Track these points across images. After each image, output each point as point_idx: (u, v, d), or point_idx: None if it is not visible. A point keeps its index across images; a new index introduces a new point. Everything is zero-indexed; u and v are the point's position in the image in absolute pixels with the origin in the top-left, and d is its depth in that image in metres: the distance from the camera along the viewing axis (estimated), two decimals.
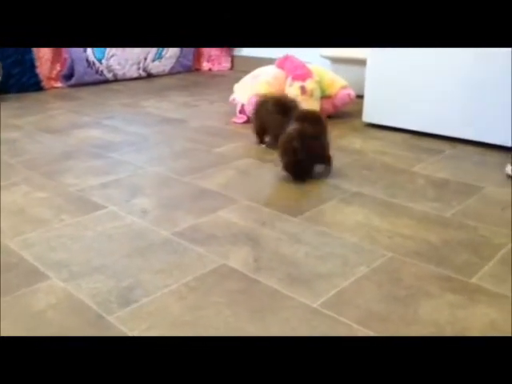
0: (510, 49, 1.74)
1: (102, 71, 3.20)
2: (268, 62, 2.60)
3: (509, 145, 1.80)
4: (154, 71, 3.47)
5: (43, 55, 2.98)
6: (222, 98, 2.73)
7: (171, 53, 3.52)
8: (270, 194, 1.50)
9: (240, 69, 3.54)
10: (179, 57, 3.58)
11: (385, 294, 0.99)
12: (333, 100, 2.28)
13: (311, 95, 2.16)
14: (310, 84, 2.16)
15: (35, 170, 1.68)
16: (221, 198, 1.45)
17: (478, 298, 0.98)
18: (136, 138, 2.04)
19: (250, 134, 2.01)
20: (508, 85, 1.77)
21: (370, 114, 2.15)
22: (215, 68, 3.75)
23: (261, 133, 1.91)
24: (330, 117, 2.25)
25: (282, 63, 2.28)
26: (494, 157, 1.77)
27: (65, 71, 3.10)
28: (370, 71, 2.11)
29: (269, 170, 1.66)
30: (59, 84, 3.10)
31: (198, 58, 3.75)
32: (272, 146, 1.81)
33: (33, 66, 2.93)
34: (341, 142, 1.95)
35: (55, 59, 3.07)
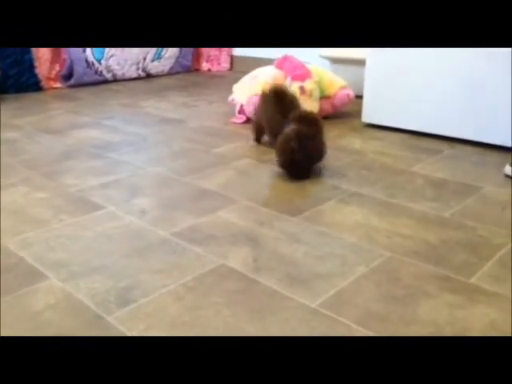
0: (509, 49, 1.74)
1: (101, 71, 3.20)
2: (267, 62, 2.60)
3: (508, 145, 1.80)
4: (153, 71, 3.47)
5: (42, 55, 2.98)
6: (221, 98, 2.73)
7: (170, 53, 3.53)
8: (269, 194, 1.50)
9: (239, 69, 3.54)
10: (178, 57, 3.58)
11: (384, 294, 0.99)
12: (332, 100, 2.28)
13: (310, 95, 2.16)
14: (309, 84, 2.17)
15: (35, 171, 1.68)
16: (220, 198, 1.45)
17: (477, 298, 0.98)
18: (135, 138, 2.04)
19: (249, 134, 2.01)
20: (507, 85, 1.77)
21: (369, 114, 2.15)
22: (214, 68, 3.75)
23: (259, 131, 1.91)
24: (329, 117, 2.25)
25: (281, 63, 2.28)
26: (492, 157, 1.77)
27: (64, 71, 3.10)
28: (369, 71, 2.11)
29: (268, 170, 1.66)
30: (58, 84, 3.10)
31: (197, 58, 3.75)
32: (271, 145, 1.81)
33: (32, 67, 2.93)
34: (340, 142, 1.95)
35: (54, 59, 3.07)
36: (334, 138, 1.99)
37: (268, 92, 1.85)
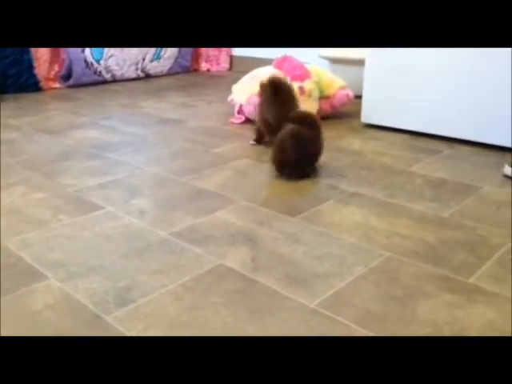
0: (509, 49, 1.74)
1: (100, 72, 3.20)
2: (266, 62, 2.60)
3: (507, 145, 1.80)
4: (152, 72, 3.47)
5: (41, 56, 2.98)
6: (220, 98, 2.73)
7: (169, 53, 3.52)
8: (267, 194, 1.50)
9: (238, 69, 3.54)
10: (177, 57, 3.58)
11: (382, 294, 0.99)
12: (331, 100, 2.28)
13: (310, 96, 2.16)
14: (308, 84, 2.17)
15: (33, 171, 1.68)
16: (219, 198, 1.45)
17: (476, 298, 0.98)
18: (134, 139, 2.04)
19: (248, 134, 2.01)
20: (507, 85, 1.77)
21: (368, 115, 2.15)
22: (213, 68, 3.75)
23: (260, 133, 1.91)
24: (328, 117, 2.25)
25: (280, 63, 2.27)
26: (491, 157, 1.77)
27: (63, 72, 3.10)
28: (368, 71, 2.11)
29: (267, 170, 1.66)
30: (57, 84, 3.10)
31: (196, 58, 3.75)
32: (270, 143, 1.81)
33: (31, 67, 2.92)
34: (339, 143, 1.95)
35: (53, 60, 3.06)
36: (333, 139, 1.98)
37: (265, 83, 1.86)
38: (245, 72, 2.47)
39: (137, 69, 3.38)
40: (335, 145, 1.91)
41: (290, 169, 1.58)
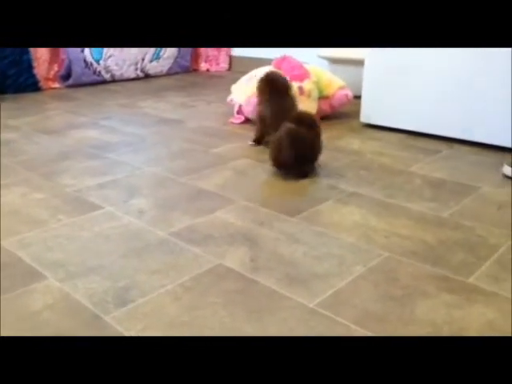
0: (509, 49, 1.74)
1: (99, 72, 3.20)
2: (266, 62, 2.60)
3: (506, 145, 1.80)
4: (151, 72, 3.47)
5: (41, 56, 2.98)
6: (220, 98, 2.73)
7: (169, 53, 3.52)
8: (267, 194, 1.50)
9: (238, 69, 3.54)
10: (177, 57, 3.58)
11: (382, 294, 0.99)
12: (330, 100, 2.28)
13: (309, 96, 2.16)
14: (307, 84, 2.17)
15: (32, 171, 1.68)
16: (218, 198, 1.45)
17: (475, 298, 0.98)
18: (133, 139, 2.04)
19: (247, 134, 2.01)
20: (506, 85, 1.77)
21: (367, 115, 2.15)
22: (213, 68, 3.75)
23: (261, 134, 1.91)
24: (327, 117, 2.25)
25: (280, 64, 2.27)
26: (490, 157, 1.78)
27: (62, 72, 3.10)
28: (367, 71, 2.11)
29: (266, 170, 1.66)
30: (57, 84, 3.10)
31: (195, 58, 3.75)
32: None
33: (30, 67, 2.92)
34: (338, 143, 1.95)
35: (53, 60, 3.06)
36: (333, 139, 1.99)
37: (262, 78, 1.87)
38: (244, 72, 2.47)
39: (136, 69, 3.38)
40: (334, 145, 1.92)
41: (286, 168, 1.59)
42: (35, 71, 2.95)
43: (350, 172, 1.64)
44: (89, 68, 3.14)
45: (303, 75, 2.18)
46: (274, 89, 1.83)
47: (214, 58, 3.74)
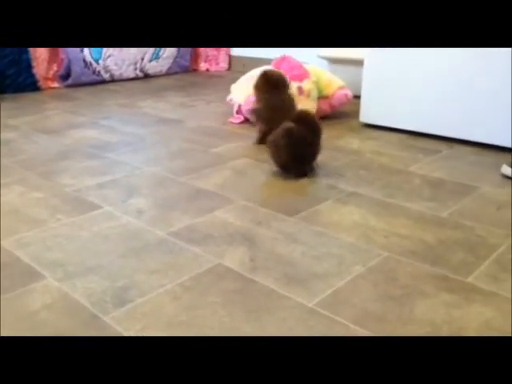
0: (509, 49, 1.74)
1: (98, 71, 3.20)
2: (265, 62, 2.60)
3: (506, 145, 1.80)
4: (151, 71, 3.47)
5: (40, 55, 2.98)
6: (219, 98, 2.73)
7: (168, 53, 3.52)
8: (266, 193, 1.50)
9: (237, 69, 3.54)
10: (176, 57, 3.58)
11: (381, 294, 0.99)
12: (330, 100, 2.28)
13: (308, 96, 2.16)
14: (307, 84, 2.17)
15: (31, 170, 1.68)
16: (217, 198, 1.45)
17: (474, 298, 0.98)
18: (133, 139, 2.04)
19: (246, 134, 2.01)
20: (506, 85, 1.77)
21: (367, 115, 2.15)
22: (212, 68, 3.75)
23: (263, 134, 1.91)
24: (327, 117, 2.25)
25: (279, 64, 2.27)
26: (490, 157, 1.78)
27: (61, 71, 3.10)
28: (367, 71, 2.11)
29: (265, 170, 1.65)
30: (56, 84, 3.10)
31: (195, 58, 3.75)
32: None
33: (29, 66, 2.92)
34: (338, 143, 1.95)
35: (52, 59, 3.06)
36: (332, 138, 1.99)
37: (259, 75, 1.87)
38: (243, 72, 2.47)
39: (135, 68, 3.38)
40: (334, 144, 1.91)
41: (284, 168, 1.59)
42: (34, 71, 2.95)
43: (350, 172, 1.64)
44: (88, 68, 3.14)
45: (303, 75, 2.18)
46: (272, 86, 1.83)
47: (213, 58, 3.74)
